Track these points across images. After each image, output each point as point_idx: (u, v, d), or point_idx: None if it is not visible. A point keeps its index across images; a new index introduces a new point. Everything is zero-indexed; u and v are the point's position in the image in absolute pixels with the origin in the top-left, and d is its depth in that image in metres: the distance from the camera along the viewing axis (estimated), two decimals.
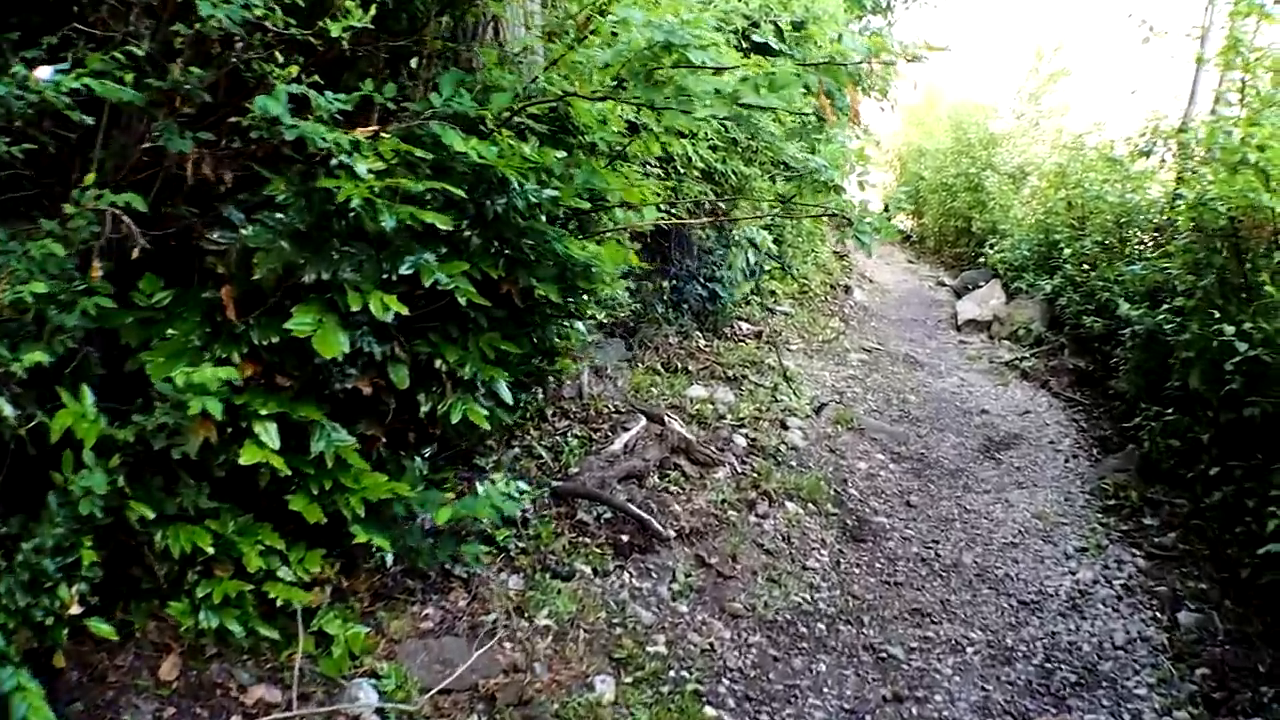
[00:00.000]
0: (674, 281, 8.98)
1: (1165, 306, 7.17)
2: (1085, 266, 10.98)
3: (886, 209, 25.07)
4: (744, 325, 10.24)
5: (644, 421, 6.64)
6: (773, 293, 11.59)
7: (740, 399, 8.24)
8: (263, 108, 3.00)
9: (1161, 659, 5.16)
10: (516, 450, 6.01)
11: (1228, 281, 6.49)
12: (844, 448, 7.79)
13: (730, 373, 8.78)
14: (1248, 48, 7.07)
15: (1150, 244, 9.73)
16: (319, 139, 3.08)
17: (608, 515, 5.64)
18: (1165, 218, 9.11)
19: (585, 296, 4.94)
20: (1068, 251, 10.80)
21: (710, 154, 7.51)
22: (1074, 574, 6.07)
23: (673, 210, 7.28)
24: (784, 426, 7.91)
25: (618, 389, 7.40)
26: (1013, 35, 32.26)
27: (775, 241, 11.71)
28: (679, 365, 8.56)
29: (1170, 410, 7.19)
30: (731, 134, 7.54)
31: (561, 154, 4.32)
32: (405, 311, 3.38)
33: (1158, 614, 5.62)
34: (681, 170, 7.26)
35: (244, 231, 3.21)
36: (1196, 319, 6.56)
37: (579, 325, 5.67)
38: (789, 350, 10.19)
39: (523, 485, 5.20)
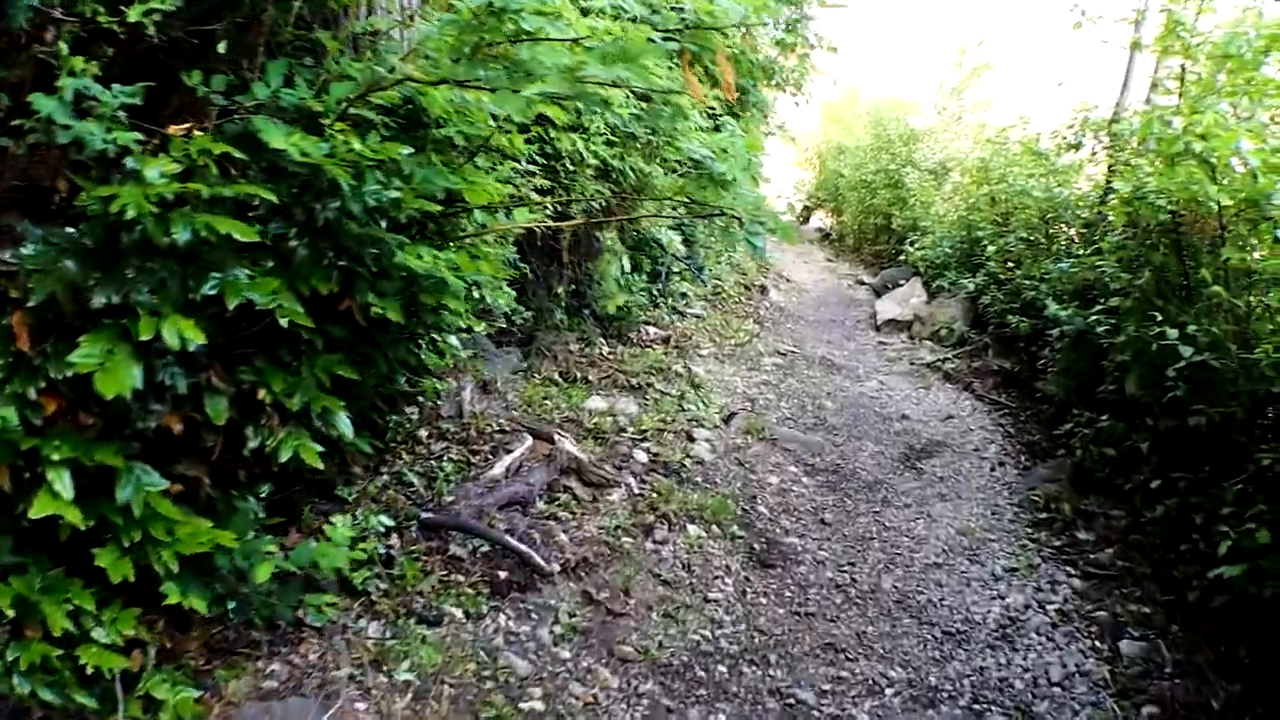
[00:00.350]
0: (573, 286, 8.15)
1: (1099, 307, 6.57)
2: (1009, 264, 10.48)
3: (799, 208, 24.74)
4: (652, 330, 9.45)
5: (530, 441, 5.80)
6: (684, 295, 10.84)
7: (644, 410, 7.45)
8: (38, 106, 2.70)
9: (1103, 696, 4.54)
10: (385, 477, 5.12)
11: (1167, 280, 5.92)
12: (754, 460, 7.04)
13: (634, 381, 7.98)
14: (1189, 31, 6.54)
15: (1079, 240, 9.23)
16: (96, 140, 2.74)
17: (485, 549, 4.79)
18: (1096, 212, 8.60)
19: (441, 312, 4.12)
20: (991, 249, 10.29)
21: (605, 150, 6.73)
22: (1003, 598, 5.42)
23: (567, 211, 6.48)
24: (690, 438, 7.15)
25: (507, 404, 6.54)
26: (937, 31, 32.26)
27: (685, 242, 10.97)
28: (579, 375, 7.73)
29: (1105, 416, 6.62)
30: (630, 128, 6.78)
31: (408, 150, 3.53)
32: (201, 340, 2.91)
33: (1097, 643, 5.00)
34: (573, 168, 6.46)
35: (24, 250, 2.82)
36: (1133, 320, 5.98)
37: (452, 340, 4.92)
38: (699, 355, 9.44)
39: (385, 519, 4.51)
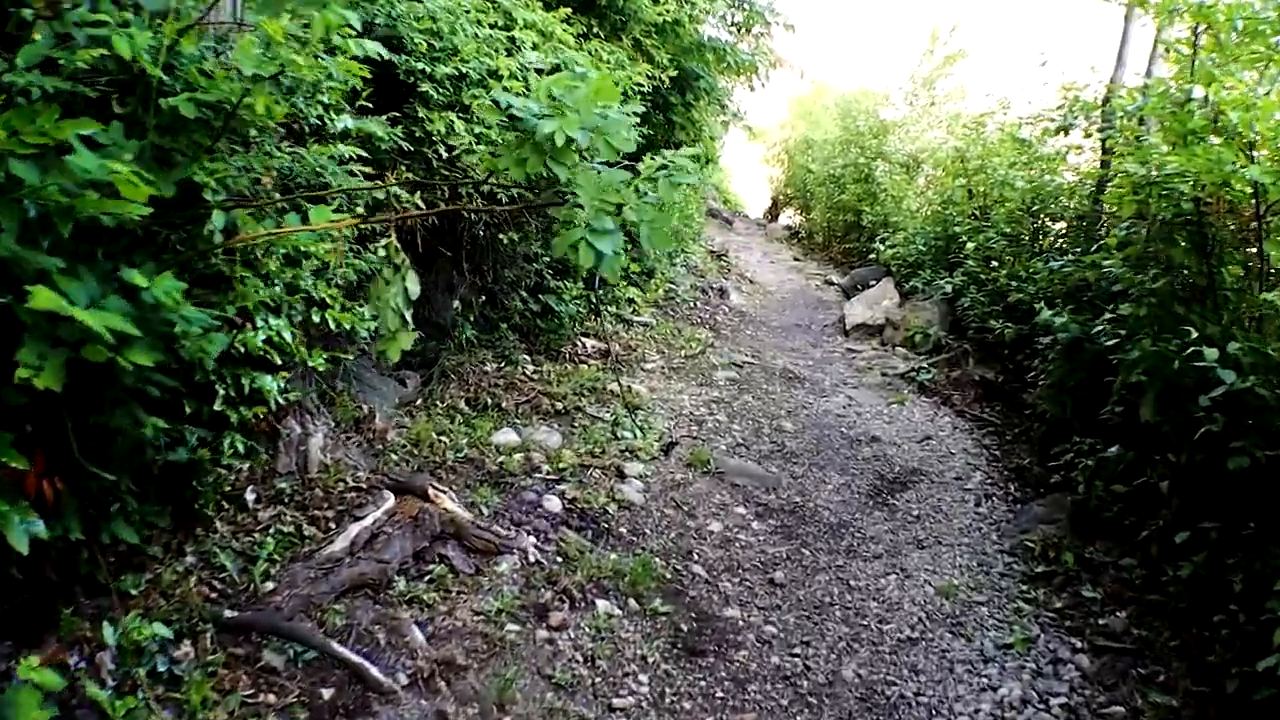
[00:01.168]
0: (485, 296, 6.92)
1: (1107, 315, 5.41)
2: (990, 262, 9.33)
3: (767, 205, 23.60)
4: (589, 343, 8.24)
5: (392, 500, 4.57)
6: (631, 301, 9.61)
7: (568, 441, 6.27)
8: None
9: None
10: (191, 559, 3.87)
11: (1187, 282, 4.76)
12: (695, 501, 5.85)
13: (560, 406, 6.79)
14: None
15: (1071, 235, 8.11)
16: None
17: (310, 655, 3.56)
18: (1091, 203, 7.46)
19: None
20: (970, 246, 9.14)
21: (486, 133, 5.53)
22: (995, 689, 4.31)
23: (443, 206, 5.27)
24: (620, 475, 5.97)
25: (382, 448, 5.31)
26: (910, 19, 31.15)
27: (632, 243, 9.75)
28: (491, 401, 6.51)
29: (1112, 446, 5.47)
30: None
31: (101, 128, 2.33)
32: None
33: None
34: (446, 156, 5.25)
35: None
36: (1148, 331, 4.82)
37: (268, 381, 3.70)
38: (642, 370, 8.23)
39: (163, 629, 3.36)
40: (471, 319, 6.73)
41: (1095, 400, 6.10)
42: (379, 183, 4.26)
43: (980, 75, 17.25)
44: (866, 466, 6.86)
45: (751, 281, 13.78)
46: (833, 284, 14.42)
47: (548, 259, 7.48)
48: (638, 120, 6.94)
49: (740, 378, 8.59)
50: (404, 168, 4.77)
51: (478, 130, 4.97)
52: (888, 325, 10.63)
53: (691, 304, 10.75)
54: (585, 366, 7.74)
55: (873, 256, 13.05)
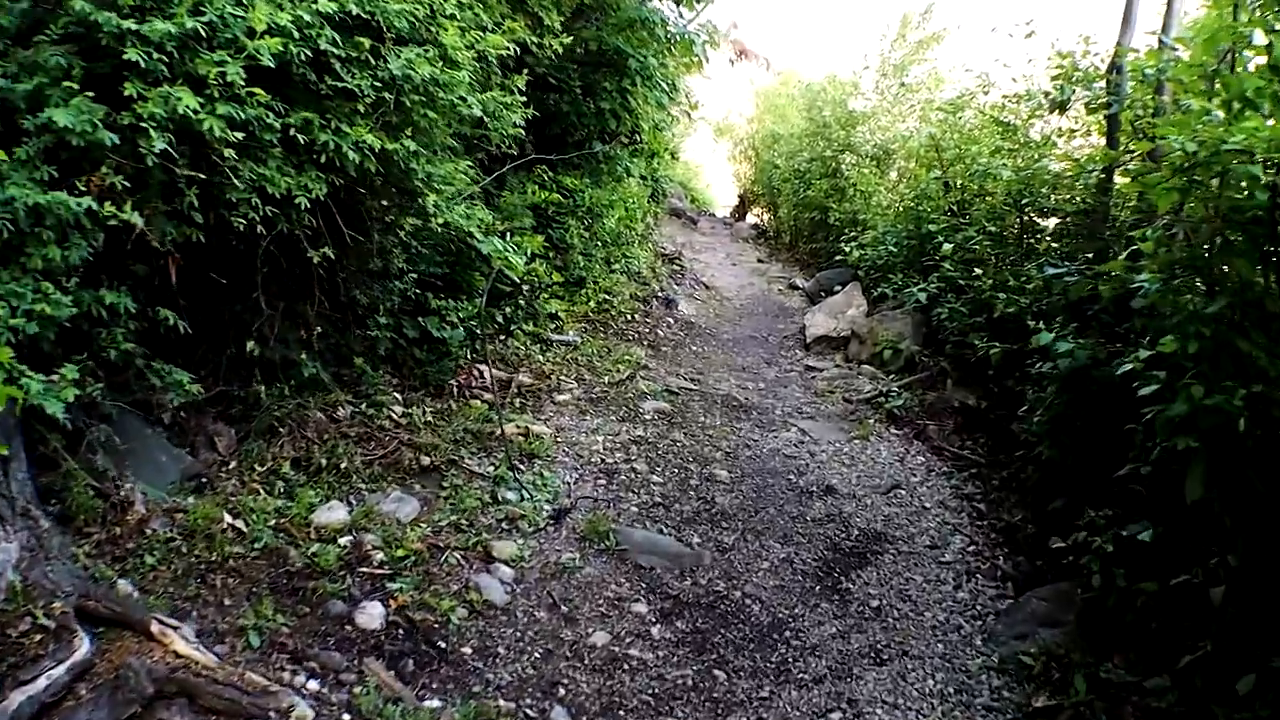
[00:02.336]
0: (331, 324, 5.35)
1: (1143, 353, 3.88)
2: (971, 267, 7.80)
3: (734, 203, 22.05)
4: (487, 372, 6.66)
5: (86, 647, 2.99)
6: (554, 316, 8.04)
7: (427, 511, 4.75)
8: None
9: None
10: None
11: (1256, 307, 3.22)
12: (579, 596, 4.30)
13: (430, 459, 5.24)
14: None
15: (1068, 235, 6.60)
16: None
17: None
18: (1094, 195, 5.95)
19: None
20: (947, 247, 7.59)
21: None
22: None
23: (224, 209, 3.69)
24: (486, 560, 4.45)
25: (121, 554, 3.75)
26: (881, 6, 29.49)
27: (554, 247, 8.20)
28: (329, 460, 4.95)
29: (1134, 521, 3.94)
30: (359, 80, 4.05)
31: None
32: None
33: None
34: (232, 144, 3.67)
35: None
36: (1198, 375, 3.28)
37: None
38: (552, 404, 6.67)
39: None
40: (313, 353, 5.13)
41: (1106, 447, 4.62)
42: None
43: (958, 59, 15.80)
44: (817, 531, 5.31)
45: (707, 287, 12.21)
46: (797, 288, 12.89)
47: (417, 275, 5.89)
48: (524, 102, 5.34)
49: (673, 409, 7.02)
50: (109, 168, 3.18)
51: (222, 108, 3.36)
52: (854, 338, 9.09)
53: (629, 317, 9.17)
54: (476, 403, 6.16)
55: (840, 259, 11.51)
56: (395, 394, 5.91)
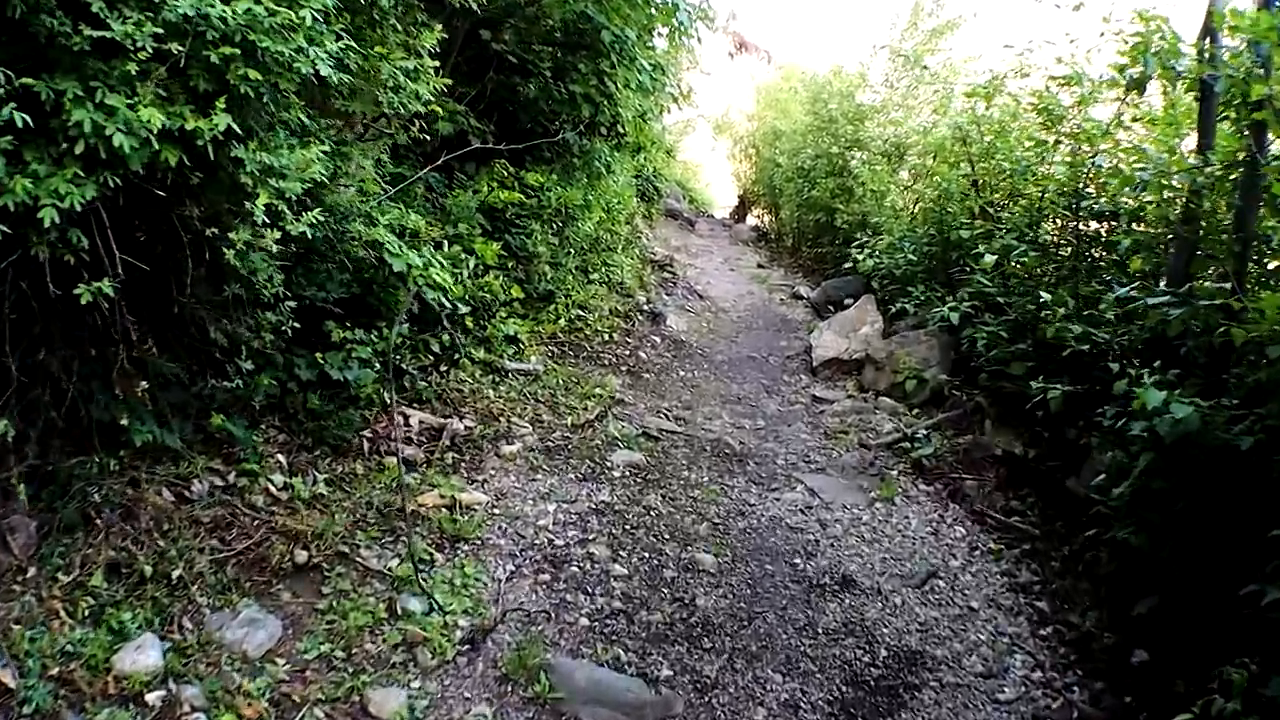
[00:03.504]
0: (185, 365, 3.85)
1: None
2: (1013, 282, 6.28)
3: (734, 204, 20.48)
4: (415, 419, 5.16)
5: None
6: (512, 339, 6.51)
7: (291, 635, 3.27)
8: None
9: None
10: None
11: None
12: None
13: (310, 553, 3.78)
14: None
15: (1150, 248, 5.07)
16: None
17: None
18: (1232, 194, 4.39)
19: None
20: (988, 259, 6.04)
21: None
22: None
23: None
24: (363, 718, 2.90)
25: None
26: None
27: (514, 256, 6.69)
28: (160, 564, 3.47)
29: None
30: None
31: None
32: None
33: None
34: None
35: None
36: None
37: None
38: (496, 457, 5.16)
39: None
40: (146, 412, 3.62)
41: (1220, 544, 3.14)
42: None
43: (973, 49, 14.17)
44: (831, 652, 3.80)
45: (701, 296, 10.67)
46: (801, 298, 11.35)
47: (309, 301, 4.38)
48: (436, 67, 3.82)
49: (650, 461, 5.50)
50: None
51: None
52: (869, 363, 7.55)
53: (607, 336, 7.64)
54: (392, 463, 4.65)
55: (849, 266, 9.95)
56: (279, 457, 4.41)
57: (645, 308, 8.75)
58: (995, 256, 5.95)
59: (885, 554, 4.70)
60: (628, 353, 7.53)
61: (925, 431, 6.22)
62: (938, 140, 8.21)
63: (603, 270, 8.52)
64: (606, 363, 7.18)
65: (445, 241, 5.51)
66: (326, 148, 3.28)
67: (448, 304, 4.93)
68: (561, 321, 7.31)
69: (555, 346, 7.04)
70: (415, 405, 5.37)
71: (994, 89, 7.62)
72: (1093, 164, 6.04)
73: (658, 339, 8.19)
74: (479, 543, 4.25)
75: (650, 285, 9.97)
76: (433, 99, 4.18)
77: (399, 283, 4.65)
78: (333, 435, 4.59)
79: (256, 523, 3.90)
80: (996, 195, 7.72)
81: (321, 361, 4.58)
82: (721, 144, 21.77)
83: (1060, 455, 5.53)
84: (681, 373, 7.56)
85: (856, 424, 6.57)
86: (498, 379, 6.11)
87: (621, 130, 8.30)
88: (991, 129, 7.74)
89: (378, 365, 4.89)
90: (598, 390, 6.40)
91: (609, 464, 5.32)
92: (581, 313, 7.66)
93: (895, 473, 5.77)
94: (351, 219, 4.29)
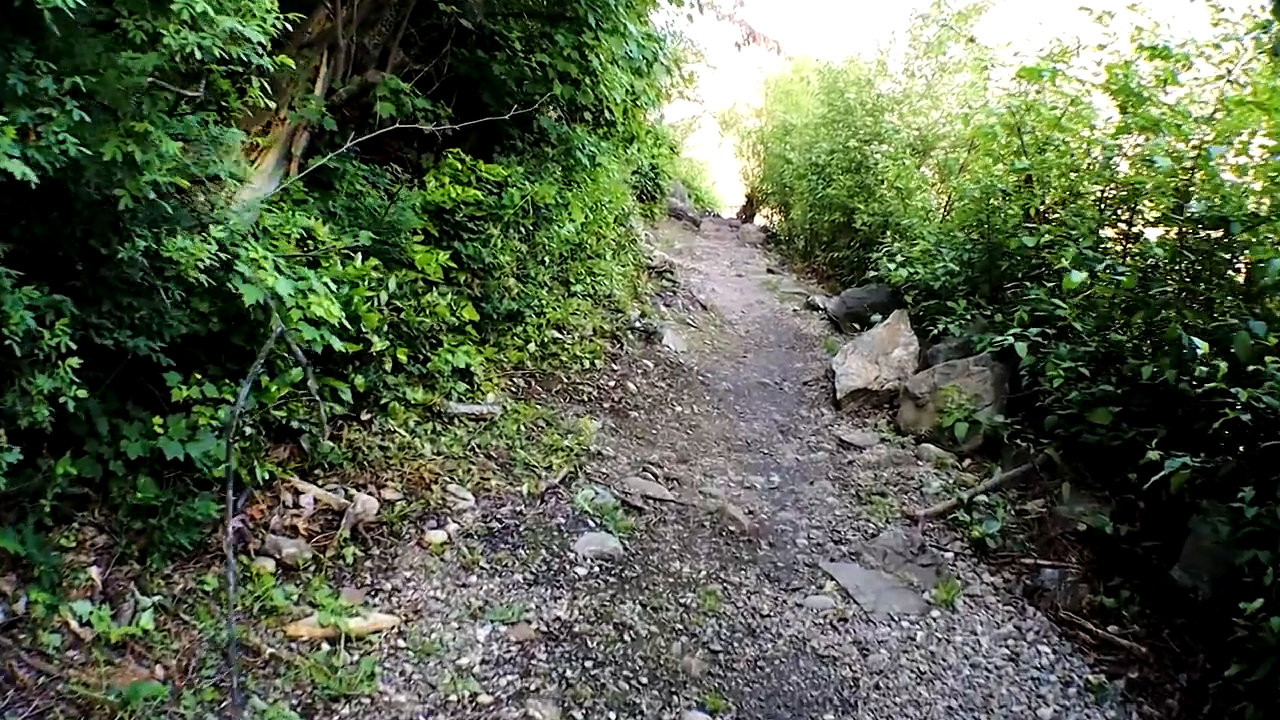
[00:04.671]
0: None
1: None
2: (1089, 305, 4.78)
3: (741, 203, 18.89)
4: (308, 498, 3.69)
5: None
6: (464, 374, 5.03)
7: None
8: None
9: None
10: None
11: None
12: None
13: None
14: None
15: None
16: None
17: None
18: None
19: None
20: (1077, 277, 4.46)
21: None
22: None
23: None
24: None
25: None
26: None
27: (466, 268, 5.21)
28: None
29: None
30: None
31: None
32: None
33: None
34: None
35: None
36: None
37: None
38: (419, 549, 3.69)
39: None
40: None
41: None
42: None
43: (1003, 34, 12.53)
44: None
45: (705, 307, 9.16)
46: (817, 308, 9.82)
47: (90, 355, 2.91)
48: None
49: (628, 549, 4.00)
50: None
51: None
52: (906, 398, 6.03)
53: (588, 363, 6.14)
54: (266, 569, 3.19)
55: (874, 274, 8.41)
56: (92, 571, 2.95)
57: (638, 324, 7.24)
58: (1084, 275, 4.41)
59: (951, 700, 3.20)
60: (612, 383, 6.03)
61: (986, 495, 4.71)
62: (983, 129, 6.66)
63: (587, 281, 7.02)
64: (585, 398, 5.69)
65: (360, 254, 4.03)
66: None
67: (339, 344, 3.45)
68: (531, 347, 5.82)
69: (521, 379, 5.56)
70: (316, 475, 3.89)
71: (1058, 63, 6.08)
72: (1200, 154, 4.54)
73: (650, 363, 6.68)
74: (367, 703, 2.77)
75: (646, 296, 8.47)
76: (265, 41, 2.69)
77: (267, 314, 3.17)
78: (169, 537, 3.11)
79: (42, 682, 2.45)
80: (1051, 195, 6.21)
81: (159, 431, 3.10)
82: (728, 140, 20.27)
83: (1157, 530, 4.09)
84: (678, 408, 6.06)
85: (896, 481, 5.06)
86: (439, 428, 4.63)
87: (609, 116, 6.80)
88: (1048, 119, 6.21)
89: (248, 428, 3.42)
90: (569, 439, 4.91)
91: (572, 555, 3.83)
92: (558, 334, 6.17)
93: (951, 555, 4.27)
94: (179, 228, 2.80)
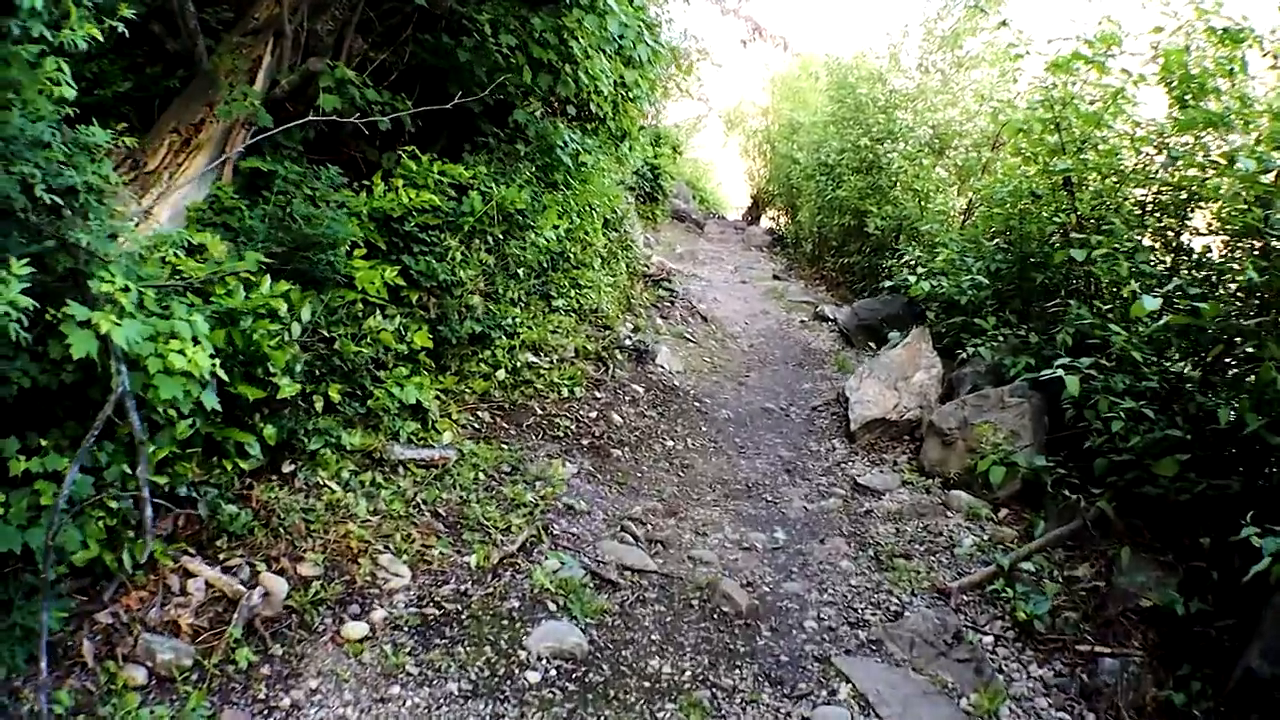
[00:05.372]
0: None
1: None
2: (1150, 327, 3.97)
3: (746, 205, 18.00)
4: (199, 581, 2.90)
5: None
6: (415, 410, 4.24)
7: None
8: None
9: None
10: None
11: None
12: None
13: None
14: None
15: None
16: None
17: None
18: None
19: None
20: (1149, 302, 3.61)
21: None
22: None
23: None
24: None
25: None
26: None
27: (418, 287, 4.42)
28: None
29: None
30: None
31: None
32: None
33: None
34: None
35: None
36: None
37: None
38: (333, 646, 2.87)
39: None
40: None
41: None
42: None
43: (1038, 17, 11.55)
44: None
45: (705, 319, 8.35)
46: (826, 319, 8.99)
47: None
48: None
49: (594, 645, 3.20)
50: None
51: None
52: (930, 433, 5.21)
53: (566, 390, 5.33)
54: (134, 677, 2.40)
55: (890, 284, 7.56)
56: None
57: (629, 341, 6.44)
58: (1157, 301, 3.58)
59: None
60: (594, 415, 5.23)
61: (1033, 558, 3.89)
62: (1014, 124, 5.80)
63: (571, 295, 6.22)
64: (561, 433, 4.88)
65: (269, 277, 3.25)
66: None
67: (212, 401, 2.66)
68: (500, 374, 5.02)
69: (487, 413, 4.76)
70: (216, 548, 3.11)
71: (1099, 53, 5.25)
72: None
73: (640, 388, 5.88)
74: None
75: (641, 308, 7.66)
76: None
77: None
78: (9, 643, 2.33)
79: None
80: (1111, 196, 5.38)
81: None
82: (734, 141, 19.42)
83: (1234, 606, 3.29)
84: (669, 442, 5.25)
85: (922, 539, 4.24)
86: (380, 478, 3.84)
87: (596, 110, 6.01)
88: (1086, 115, 5.37)
89: (117, 498, 2.64)
90: (535, 490, 4.12)
91: (523, 654, 3.03)
92: (533, 358, 5.37)
93: (991, 640, 3.46)
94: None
